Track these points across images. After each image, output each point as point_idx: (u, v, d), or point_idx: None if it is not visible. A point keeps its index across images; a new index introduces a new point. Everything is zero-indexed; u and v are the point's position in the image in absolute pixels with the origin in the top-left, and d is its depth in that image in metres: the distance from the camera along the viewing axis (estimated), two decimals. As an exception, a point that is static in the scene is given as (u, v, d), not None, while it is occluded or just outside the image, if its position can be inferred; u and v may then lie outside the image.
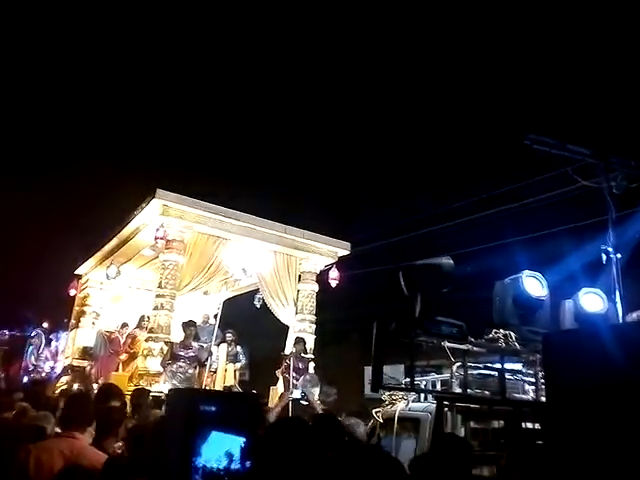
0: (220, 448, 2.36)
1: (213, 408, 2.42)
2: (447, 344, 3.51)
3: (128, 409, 4.72)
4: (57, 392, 10.16)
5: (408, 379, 3.51)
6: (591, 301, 3.96)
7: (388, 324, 3.47)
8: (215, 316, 11.07)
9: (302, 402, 6.95)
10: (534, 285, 3.82)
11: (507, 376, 3.68)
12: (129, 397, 6.18)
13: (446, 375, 3.95)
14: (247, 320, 12.61)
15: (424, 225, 15.36)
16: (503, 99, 16.91)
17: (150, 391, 6.47)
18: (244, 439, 2.40)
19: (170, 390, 4.45)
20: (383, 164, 21.04)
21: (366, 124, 21.75)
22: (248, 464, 2.38)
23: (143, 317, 11.27)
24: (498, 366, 3.69)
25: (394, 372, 3.72)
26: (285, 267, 10.91)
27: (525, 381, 3.88)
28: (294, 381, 9.50)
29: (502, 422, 3.53)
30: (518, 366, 3.97)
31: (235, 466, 2.36)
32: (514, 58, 17.06)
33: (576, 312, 3.73)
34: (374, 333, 3.31)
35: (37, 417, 4.08)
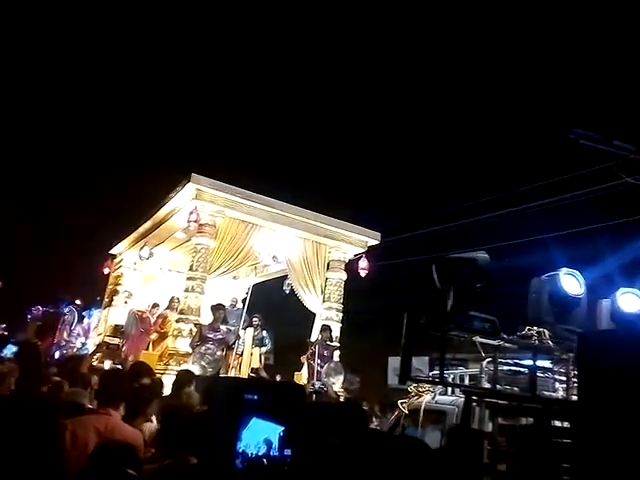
0: (260, 435, 2.42)
1: (255, 397, 2.47)
2: (478, 339, 3.48)
3: (160, 388, 4.81)
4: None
5: (437, 372, 3.50)
6: (629, 301, 3.87)
7: (419, 316, 3.46)
8: (243, 300, 11.21)
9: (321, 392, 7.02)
10: (571, 283, 3.76)
11: (538, 374, 3.64)
12: (165, 375, 6.33)
13: (475, 369, 3.92)
14: (274, 306, 12.73)
15: (459, 217, 15.17)
16: (550, 92, 16.53)
17: (194, 375, 6.61)
18: (283, 428, 2.45)
19: (215, 378, 4.56)
20: (419, 153, 20.84)
21: (405, 113, 21.55)
22: (286, 452, 2.44)
23: (173, 298, 11.47)
24: (528, 363, 3.66)
25: (419, 364, 3.71)
26: (314, 255, 10.94)
27: (556, 379, 3.84)
28: (318, 368, 9.59)
29: (531, 419, 3.50)
30: (548, 364, 3.92)
31: (273, 453, 2.42)
32: (562, 52, 16.65)
33: (613, 312, 3.66)
34: (404, 325, 3.31)
35: (73, 393, 4.19)
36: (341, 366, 9.71)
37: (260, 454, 2.39)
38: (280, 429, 2.45)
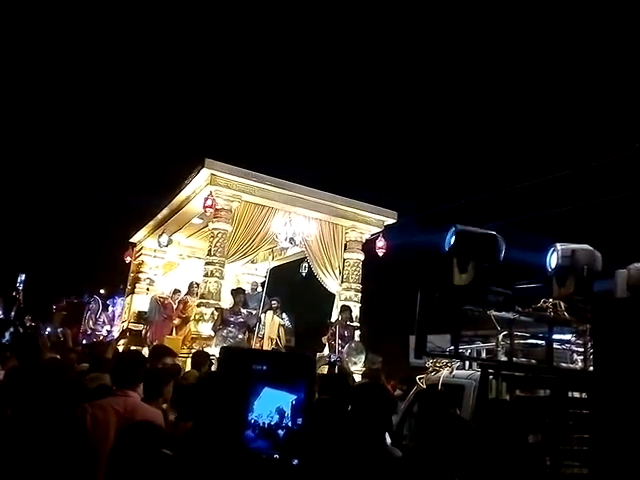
0: (272, 404, 2.41)
1: (264, 367, 2.47)
2: (493, 313, 3.47)
3: (177, 369, 4.90)
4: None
5: (452, 347, 3.50)
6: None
7: (432, 292, 3.46)
8: (262, 284, 11.29)
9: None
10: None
11: (555, 346, 3.62)
12: (189, 359, 6.45)
13: (492, 344, 3.91)
14: (294, 288, 12.79)
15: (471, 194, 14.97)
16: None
17: (209, 354, 6.75)
18: (295, 397, 2.44)
19: (222, 348, 4.61)
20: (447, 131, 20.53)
21: (424, 89, 21.25)
22: (299, 421, 2.42)
23: (192, 284, 11.64)
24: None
25: (441, 341, 3.70)
26: (331, 236, 10.95)
27: (574, 351, 3.82)
28: (339, 348, 9.65)
29: (548, 391, 3.49)
30: (568, 336, 3.90)
31: (286, 422, 2.41)
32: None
33: (629, 281, 3.61)
34: (418, 300, 3.31)
35: (97, 377, 4.28)
36: (362, 346, 9.75)
37: (273, 423, 2.39)
38: (293, 397, 2.44)
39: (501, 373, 3.43)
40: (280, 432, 2.40)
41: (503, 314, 3.51)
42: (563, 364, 3.72)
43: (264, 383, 2.42)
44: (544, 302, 3.65)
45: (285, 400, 2.42)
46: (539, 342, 3.70)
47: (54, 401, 2.57)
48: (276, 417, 2.40)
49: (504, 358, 3.58)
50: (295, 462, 2.39)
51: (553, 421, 2.75)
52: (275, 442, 2.38)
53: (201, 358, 5.58)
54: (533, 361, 3.63)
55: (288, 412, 2.42)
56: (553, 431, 2.80)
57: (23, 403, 2.54)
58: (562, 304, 3.56)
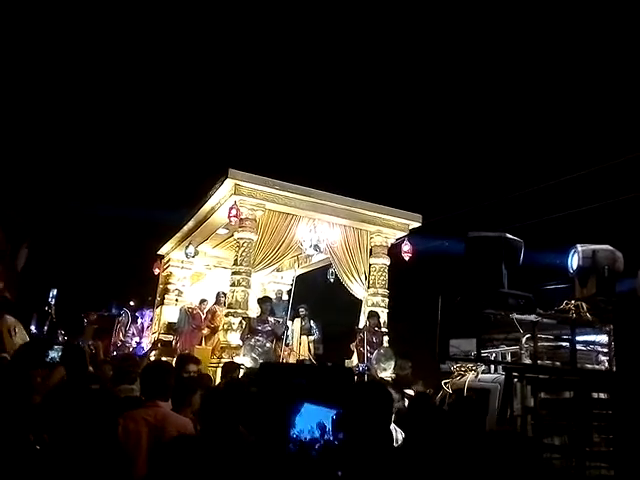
0: (312, 420, 2.42)
1: (304, 382, 2.50)
2: (515, 316, 3.47)
3: (206, 379, 4.99)
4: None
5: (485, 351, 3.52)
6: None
7: (454, 297, 3.48)
8: (288, 292, 11.36)
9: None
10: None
11: (580, 347, 3.60)
12: (219, 368, 6.55)
13: (516, 347, 3.90)
14: (320, 295, 12.83)
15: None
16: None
17: (239, 364, 6.83)
18: (335, 411, 2.43)
19: (261, 364, 4.67)
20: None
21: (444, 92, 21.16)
22: (341, 436, 2.41)
23: (219, 293, 11.76)
24: (582, 337, 3.62)
25: (469, 345, 3.71)
26: (356, 241, 10.95)
27: (599, 352, 3.78)
28: (368, 354, 9.62)
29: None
30: (593, 337, 3.87)
31: (327, 437, 2.41)
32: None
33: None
34: (439, 306, 3.34)
35: (128, 389, 4.40)
36: (391, 352, 9.68)
37: (314, 438, 2.40)
38: (333, 412, 2.43)
39: (525, 376, 3.43)
40: (321, 446, 2.40)
41: (526, 317, 3.51)
42: (588, 365, 3.69)
43: (304, 399, 2.43)
44: (566, 304, 3.63)
45: (325, 415, 2.43)
46: (563, 344, 3.68)
47: (95, 418, 2.66)
48: (317, 432, 2.41)
49: (528, 361, 3.58)
50: (339, 473, 2.36)
51: (577, 422, 2.74)
52: (316, 456, 2.39)
53: (231, 368, 5.70)
54: (558, 363, 3.61)
55: (329, 427, 2.42)
56: (577, 432, 2.79)
57: (64, 423, 2.61)
58: (584, 305, 3.54)
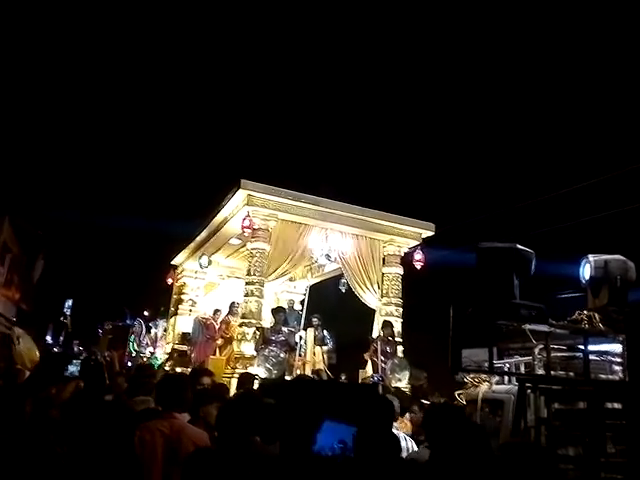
0: (334, 436, 2.44)
1: (326, 399, 2.52)
2: (528, 326, 3.47)
3: (221, 391, 5.01)
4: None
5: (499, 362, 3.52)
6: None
7: (466, 307, 3.49)
8: (302, 302, 11.38)
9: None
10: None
11: (593, 357, 3.59)
12: (234, 379, 6.58)
13: (529, 357, 3.90)
14: (333, 305, 12.83)
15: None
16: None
17: (254, 375, 6.86)
18: (356, 428, 2.45)
19: (285, 381, 4.71)
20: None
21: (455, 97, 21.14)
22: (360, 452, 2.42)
23: (233, 304, 11.80)
24: (596, 347, 3.60)
25: (482, 355, 3.71)
26: (369, 251, 10.93)
27: (613, 362, 3.77)
28: (382, 364, 9.58)
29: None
30: (606, 347, 3.85)
31: (348, 454, 2.43)
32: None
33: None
34: (451, 317, 3.35)
35: (144, 401, 4.43)
36: (406, 362, 9.62)
37: (335, 455, 2.42)
38: (353, 429, 2.45)
39: (539, 387, 3.42)
40: (342, 462, 2.42)
41: (539, 327, 3.51)
42: (602, 375, 3.68)
43: (325, 416, 2.45)
44: (579, 314, 3.63)
45: (346, 432, 2.45)
46: (576, 354, 3.67)
47: (110, 430, 2.71)
48: (338, 449, 2.44)
49: (541, 371, 3.57)
50: None
51: (591, 433, 2.74)
52: (337, 472, 2.40)
53: (247, 379, 5.76)
54: (571, 374, 3.60)
55: (350, 444, 2.44)
56: (592, 443, 2.78)
57: (82, 436, 2.66)
58: (597, 315, 3.54)
